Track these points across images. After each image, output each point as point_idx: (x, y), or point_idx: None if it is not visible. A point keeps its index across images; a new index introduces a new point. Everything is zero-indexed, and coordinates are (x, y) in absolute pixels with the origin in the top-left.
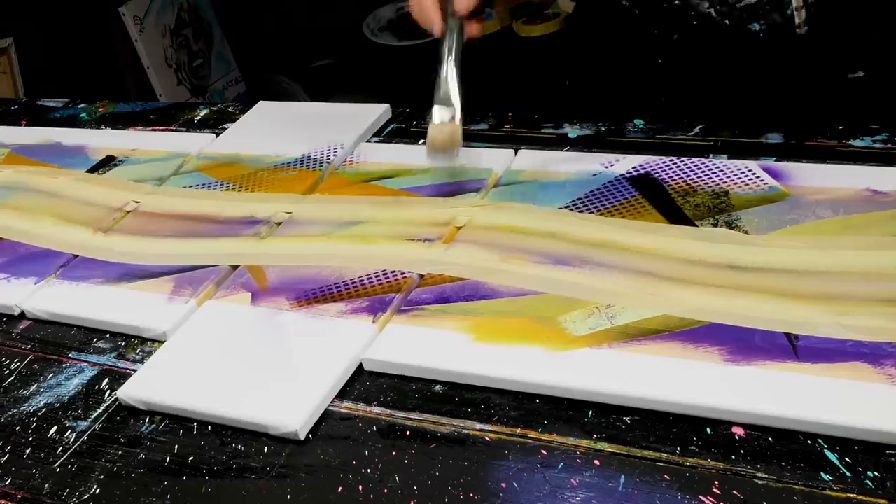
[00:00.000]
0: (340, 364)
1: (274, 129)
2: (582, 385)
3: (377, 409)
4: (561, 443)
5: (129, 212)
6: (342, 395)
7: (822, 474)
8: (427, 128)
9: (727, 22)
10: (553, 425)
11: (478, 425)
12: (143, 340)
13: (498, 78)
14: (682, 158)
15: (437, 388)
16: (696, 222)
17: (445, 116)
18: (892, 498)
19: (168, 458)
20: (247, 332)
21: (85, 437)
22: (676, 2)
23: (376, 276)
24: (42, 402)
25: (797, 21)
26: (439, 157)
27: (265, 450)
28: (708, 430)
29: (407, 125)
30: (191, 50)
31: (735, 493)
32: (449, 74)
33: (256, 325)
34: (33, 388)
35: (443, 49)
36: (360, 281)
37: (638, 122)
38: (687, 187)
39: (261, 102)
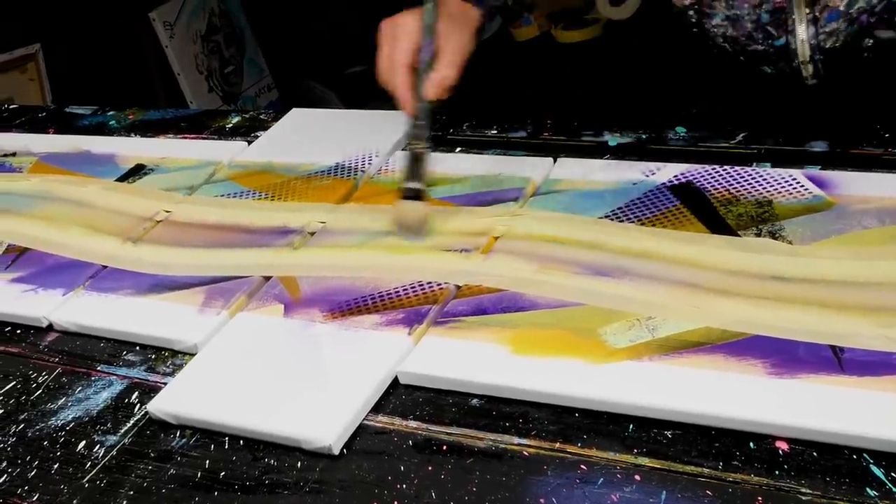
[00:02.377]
0: (375, 377)
1: (307, 136)
2: (622, 399)
3: (413, 424)
4: (601, 457)
5: (159, 221)
6: (377, 408)
7: (868, 490)
8: (397, 205)
9: (742, 58)
10: (593, 440)
11: (516, 440)
12: (174, 353)
13: (536, 84)
14: (725, 167)
15: (475, 401)
16: (738, 232)
17: (415, 195)
18: None
19: (199, 474)
20: (279, 344)
21: (114, 452)
22: (695, 29)
23: (412, 288)
24: (70, 416)
25: (804, 74)
26: (409, 236)
27: (298, 465)
28: (751, 444)
29: (443, 133)
30: (222, 56)
31: None
32: (421, 156)
33: (289, 338)
34: (61, 401)
35: (413, 131)
36: (396, 292)
37: (679, 129)
38: (729, 196)
39: (294, 110)
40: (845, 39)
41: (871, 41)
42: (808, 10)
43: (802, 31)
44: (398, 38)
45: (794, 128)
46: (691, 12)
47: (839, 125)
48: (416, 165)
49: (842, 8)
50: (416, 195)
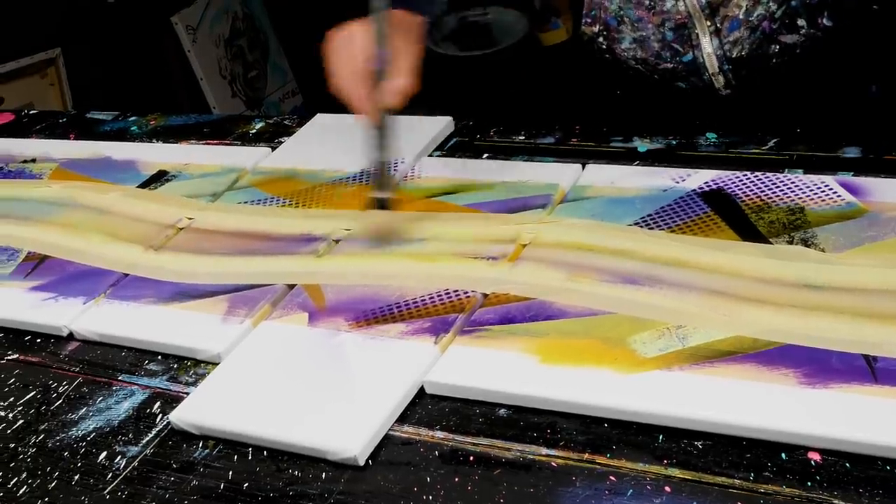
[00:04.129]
0: (401, 387)
1: (332, 142)
2: (652, 409)
3: (439, 434)
4: (630, 469)
5: (181, 229)
6: (403, 418)
7: None
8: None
9: (656, 77)
10: (622, 450)
11: (544, 450)
12: (197, 362)
13: (564, 89)
14: (756, 173)
15: (502, 411)
16: (770, 240)
17: (383, 205)
18: None
19: (222, 485)
20: (304, 353)
21: (136, 463)
22: (607, 55)
23: (438, 296)
24: (91, 427)
25: (717, 86)
26: (379, 245)
27: (323, 476)
28: (783, 455)
29: (470, 139)
30: (246, 60)
31: None
32: (385, 165)
33: (314, 347)
34: (82, 411)
35: (376, 141)
36: (422, 300)
37: (710, 135)
38: (761, 203)
39: (318, 115)
40: (751, 47)
41: (777, 47)
42: (709, 23)
43: (707, 44)
44: (351, 47)
45: (826, 133)
46: (601, 39)
47: (872, 130)
48: (381, 174)
49: (741, 16)
50: (383, 205)
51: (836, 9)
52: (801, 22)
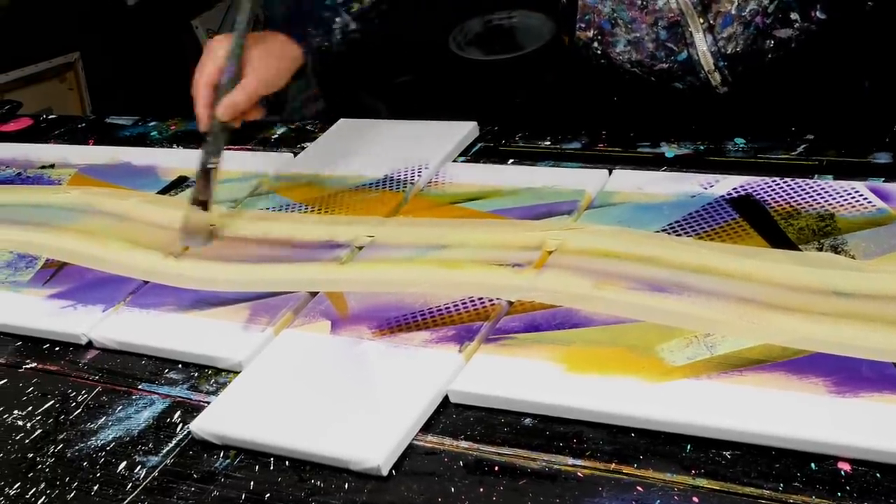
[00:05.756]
0: (425, 396)
1: (355, 148)
2: (680, 418)
3: (464, 444)
4: (658, 479)
5: None
6: (427, 428)
7: None
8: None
9: (653, 79)
10: (649, 460)
11: (570, 460)
12: (218, 371)
13: (590, 94)
14: (786, 179)
15: (527, 421)
16: (799, 246)
17: (202, 205)
18: None
19: (243, 496)
20: (326, 362)
21: (156, 473)
22: (603, 60)
23: (463, 304)
24: (111, 436)
25: (714, 83)
26: (193, 242)
27: (346, 486)
28: (812, 465)
29: (495, 144)
30: None
31: None
32: (211, 171)
33: (337, 355)
34: (101, 421)
35: (206, 147)
36: (446, 308)
37: (738, 140)
38: (790, 209)
39: (341, 120)
40: (745, 43)
41: (772, 42)
42: (701, 20)
43: (701, 41)
44: (209, 58)
45: (856, 138)
46: (595, 44)
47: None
48: (206, 178)
49: (734, 11)
50: (203, 204)
51: (829, 1)
52: (794, 16)
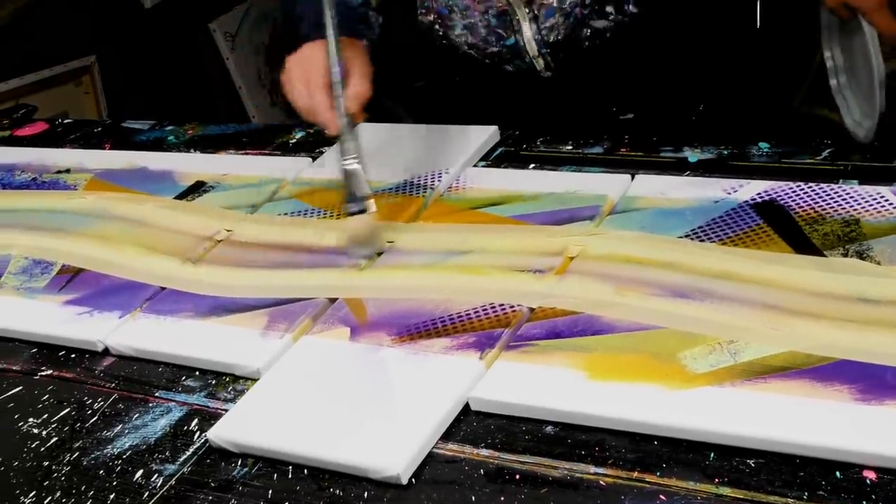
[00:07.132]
0: (445, 403)
1: (374, 152)
2: (703, 426)
3: (484, 452)
4: (681, 487)
5: (219, 241)
6: (447, 436)
7: None
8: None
9: (487, 61)
10: (672, 468)
11: (592, 469)
12: (235, 378)
13: (613, 98)
14: (810, 184)
15: (549, 428)
16: (824, 252)
17: (361, 210)
18: None
19: None
20: (345, 369)
21: (173, 482)
22: (444, 41)
23: (483, 310)
24: (127, 444)
25: (538, 68)
26: (363, 251)
27: (365, 495)
28: (837, 473)
29: (516, 149)
30: None
31: None
32: (355, 171)
33: (356, 362)
34: (118, 429)
35: (343, 147)
36: (467, 315)
37: (762, 145)
38: (815, 215)
39: (360, 124)
40: (565, 32)
41: (589, 31)
42: (527, 10)
43: (527, 29)
44: (308, 67)
45: (881, 143)
46: (437, 26)
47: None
48: (352, 181)
49: (555, 4)
50: (360, 210)
51: None
52: (609, 8)
